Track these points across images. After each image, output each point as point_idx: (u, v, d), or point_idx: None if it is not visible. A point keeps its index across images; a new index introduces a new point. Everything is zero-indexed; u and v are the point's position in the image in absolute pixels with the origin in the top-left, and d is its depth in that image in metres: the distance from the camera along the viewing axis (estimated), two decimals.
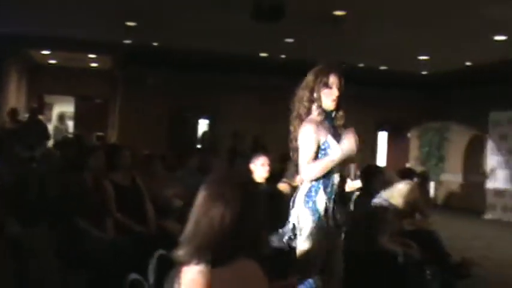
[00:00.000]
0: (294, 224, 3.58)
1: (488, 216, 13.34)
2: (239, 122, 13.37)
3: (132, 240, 4.74)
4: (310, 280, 2.48)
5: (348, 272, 3.68)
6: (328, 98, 3.62)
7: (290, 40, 10.52)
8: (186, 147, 12.56)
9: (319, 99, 3.62)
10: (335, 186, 3.57)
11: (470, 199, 13.79)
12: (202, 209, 2.05)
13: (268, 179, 5.44)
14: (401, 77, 13.84)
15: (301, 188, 3.60)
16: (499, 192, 13.41)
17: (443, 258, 5.46)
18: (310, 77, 3.67)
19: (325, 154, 3.57)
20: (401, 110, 15.98)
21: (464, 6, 7.83)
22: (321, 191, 3.53)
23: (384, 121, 16.76)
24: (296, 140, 3.62)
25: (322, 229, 3.52)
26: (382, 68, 12.81)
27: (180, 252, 2.07)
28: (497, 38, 9.44)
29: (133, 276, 2.59)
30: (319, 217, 3.52)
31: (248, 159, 5.55)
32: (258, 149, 8.75)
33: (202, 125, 15.54)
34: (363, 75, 13.23)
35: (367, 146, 14.64)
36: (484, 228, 11.88)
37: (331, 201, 3.54)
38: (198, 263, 2.03)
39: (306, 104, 3.64)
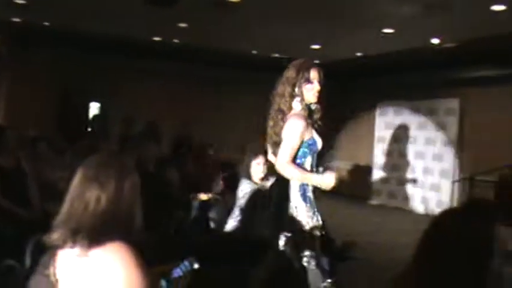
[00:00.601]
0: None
1: (373, 201, 13.93)
2: (132, 107, 13.13)
3: (14, 225, 4.57)
4: (186, 262, 2.49)
5: None
6: (310, 92, 3.78)
7: (184, 25, 10.44)
8: (75, 130, 12.20)
9: (301, 94, 3.76)
10: None
11: (358, 185, 14.30)
12: (77, 192, 2.00)
13: (160, 163, 5.39)
14: None
15: (293, 185, 3.73)
16: (384, 179, 14.01)
17: (327, 244, 5.60)
18: (290, 72, 3.79)
19: (310, 149, 3.74)
20: None
21: None
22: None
23: None
24: (277, 134, 3.76)
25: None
26: (274, 55, 12.96)
27: (54, 236, 2.02)
28: (386, 30, 9.80)
29: (8, 262, 2.50)
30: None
31: (138, 145, 5.46)
32: (151, 135, 8.62)
33: (94, 108, 15.13)
34: (257, 63, 13.39)
35: None
36: (370, 213, 12.38)
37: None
38: (72, 246, 1.98)
39: (288, 99, 3.75)
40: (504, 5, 7.86)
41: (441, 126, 12.78)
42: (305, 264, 3.44)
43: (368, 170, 14.56)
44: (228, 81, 14.51)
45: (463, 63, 11.41)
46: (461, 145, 12.29)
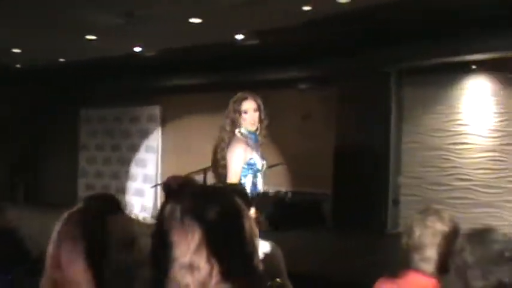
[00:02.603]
0: None
1: None
2: None
3: None
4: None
5: None
6: (247, 122, 4.48)
7: None
8: None
9: (240, 126, 4.47)
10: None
11: (63, 193, 13.93)
12: None
13: None
14: None
15: None
16: (89, 186, 13.91)
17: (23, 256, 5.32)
18: (229, 108, 4.52)
19: (250, 169, 4.46)
20: None
21: (56, 3, 7.94)
22: None
23: None
24: (224, 159, 4.45)
25: None
26: None
27: None
28: (89, 37, 9.81)
29: None
30: None
31: None
32: None
33: None
34: None
35: None
36: None
37: None
38: None
39: (228, 131, 4.49)
40: (200, 18, 8.51)
41: (144, 133, 13.18)
42: None
43: (73, 177, 14.34)
44: None
45: (163, 72, 11.92)
46: (163, 151, 12.82)
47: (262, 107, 4.60)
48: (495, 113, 9.29)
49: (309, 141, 10.51)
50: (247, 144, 4.48)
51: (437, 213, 2.65)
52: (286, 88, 10.85)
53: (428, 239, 2.55)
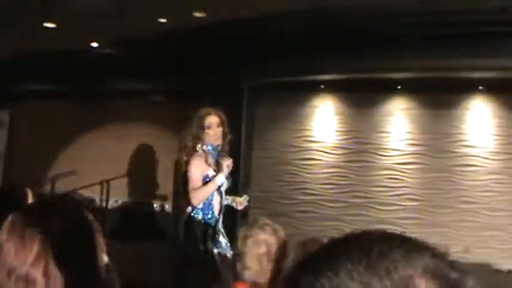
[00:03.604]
0: None
1: None
2: None
3: None
4: None
5: None
6: (211, 137, 4.60)
7: None
8: None
9: (202, 141, 4.58)
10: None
11: None
12: None
13: None
14: None
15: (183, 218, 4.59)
16: None
17: None
18: (191, 123, 4.62)
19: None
20: None
21: None
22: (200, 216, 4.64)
23: None
24: (185, 174, 4.56)
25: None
26: None
27: None
28: None
29: None
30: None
31: None
32: None
33: None
34: None
35: None
36: None
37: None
38: None
39: (189, 146, 4.60)
40: (54, 23, 8.25)
41: None
42: None
43: None
44: None
45: (13, 76, 11.40)
46: (10, 157, 12.24)
47: (225, 122, 4.69)
48: (338, 131, 9.81)
49: (157, 152, 10.53)
50: (206, 161, 4.60)
51: (263, 225, 2.74)
52: (139, 99, 10.76)
53: (247, 248, 2.63)
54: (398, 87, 9.63)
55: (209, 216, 4.72)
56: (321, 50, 8.56)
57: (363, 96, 9.71)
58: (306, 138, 9.99)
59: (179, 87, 10.22)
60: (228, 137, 4.81)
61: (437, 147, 9.48)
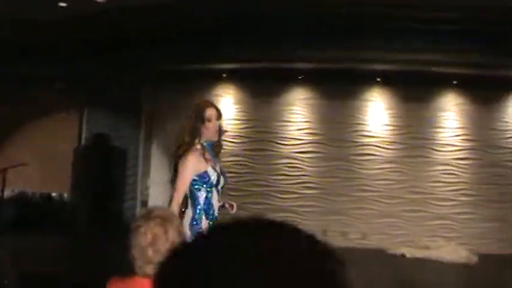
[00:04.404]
0: None
1: None
2: None
3: None
4: None
5: None
6: (210, 130, 4.10)
7: None
8: None
9: (201, 134, 4.08)
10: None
11: None
12: None
13: None
14: None
15: (186, 215, 4.07)
16: None
17: None
18: (190, 115, 4.14)
19: (205, 183, 4.06)
20: None
21: None
22: (204, 216, 4.11)
23: None
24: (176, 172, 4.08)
25: None
26: None
27: None
28: None
29: None
30: None
31: None
32: None
33: None
34: None
35: None
36: None
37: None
38: None
39: (187, 139, 4.07)
40: None
41: None
42: None
43: None
44: None
45: None
46: None
47: (222, 115, 4.29)
48: (239, 119, 9.84)
49: (58, 141, 10.14)
50: (204, 157, 4.09)
51: (151, 215, 2.59)
52: (38, 86, 10.28)
53: (138, 240, 2.50)
54: (300, 77, 9.73)
55: (211, 217, 4.51)
56: (223, 39, 8.51)
57: (264, 86, 9.75)
58: None
59: (79, 74, 9.82)
60: (224, 134, 4.50)
61: (336, 136, 9.69)
